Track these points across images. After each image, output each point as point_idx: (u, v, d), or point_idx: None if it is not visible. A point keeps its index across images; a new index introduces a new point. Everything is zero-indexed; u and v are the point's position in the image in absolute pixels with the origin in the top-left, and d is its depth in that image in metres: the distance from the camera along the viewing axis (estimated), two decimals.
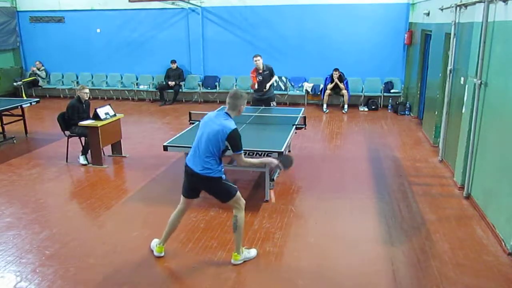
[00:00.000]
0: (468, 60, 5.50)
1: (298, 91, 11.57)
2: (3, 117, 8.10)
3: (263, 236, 4.39)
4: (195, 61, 12.17)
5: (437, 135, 7.30)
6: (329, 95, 10.71)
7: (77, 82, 12.61)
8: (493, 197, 4.55)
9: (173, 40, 12.07)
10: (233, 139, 3.62)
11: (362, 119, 9.97)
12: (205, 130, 3.70)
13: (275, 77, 8.05)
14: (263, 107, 7.66)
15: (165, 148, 5.18)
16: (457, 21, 6.23)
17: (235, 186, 3.85)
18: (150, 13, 12.01)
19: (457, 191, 5.50)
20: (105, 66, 12.71)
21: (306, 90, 11.29)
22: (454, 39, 6.31)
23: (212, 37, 11.88)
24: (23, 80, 12.38)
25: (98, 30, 12.52)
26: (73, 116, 6.64)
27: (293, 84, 11.64)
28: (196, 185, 3.83)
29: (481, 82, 4.95)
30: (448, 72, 6.53)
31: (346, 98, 10.55)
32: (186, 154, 4.38)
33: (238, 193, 3.83)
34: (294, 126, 6.12)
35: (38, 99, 8.79)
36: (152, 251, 4.06)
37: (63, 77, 13.03)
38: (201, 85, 12.09)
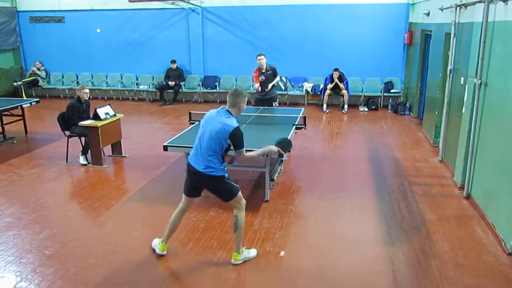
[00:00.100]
0: (468, 60, 5.50)
1: (298, 91, 11.57)
2: (3, 117, 8.10)
3: (263, 236, 4.39)
4: (195, 61, 12.18)
5: (437, 135, 7.30)
6: (329, 95, 10.71)
7: (77, 82, 12.61)
8: (493, 197, 4.55)
9: (173, 40, 12.08)
10: (236, 137, 3.63)
11: (362, 119, 9.97)
12: (207, 128, 3.69)
13: (279, 77, 7.94)
14: (265, 107, 7.61)
15: (165, 148, 5.18)
16: (457, 21, 6.23)
17: (237, 185, 3.85)
18: (150, 13, 12.01)
19: (457, 191, 5.50)
20: (105, 66, 12.71)
21: (306, 90, 11.29)
22: (454, 39, 6.31)
23: (212, 37, 11.88)
24: (23, 80, 12.38)
25: (98, 30, 12.52)
26: (73, 116, 6.64)
27: (293, 84, 11.64)
28: (198, 183, 3.82)
29: (481, 82, 4.95)
30: (448, 72, 6.53)
31: (346, 98, 10.55)
32: (187, 153, 4.39)
33: (240, 193, 3.83)
34: (294, 126, 6.12)
35: (38, 99, 8.79)
36: (154, 250, 4.07)
37: (63, 77, 13.03)
38: (201, 85, 12.09)
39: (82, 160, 6.68)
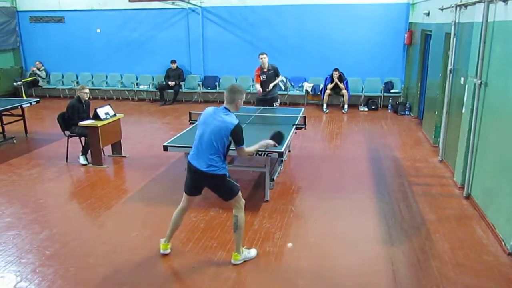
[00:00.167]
0: (468, 60, 5.50)
1: (298, 91, 11.57)
2: (3, 117, 8.10)
3: (263, 236, 4.39)
4: (195, 61, 12.18)
5: (437, 135, 7.30)
6: (329, 95, 10.71)
7: (77, 82, 12.61)
8: (493, 197, 4.55)
9: (173, 40, 12.08)
10: (237, 134, 3.64)
11: (362, 119, 9.97)
12: (207, 127, 3.67)
13: (281, 78, 7.88)
14: (265, 107, 7.60)
15: (165, 148, 5.18)
16: (457, 21, 6.23)
17: (237, 184, 3.85)
18: (150, 13, 12.01)
19: (457, 191, 5.50)
20: (105, 66, 12.71)
21: (306, 90, 11.30)
22: (454, 39, 6.31)
23: (212, 37, 11.88)
24: (23, 80, 12.38)
25: (98, 30, 12.52)
26: (73, 116, 6.64)
27: (293, 84, 11.64)
28: (199, 182, 3.82)
29: (481, 82, 4.95)
30: (448, 72, 6.53)
31: (346, 98, 10.55)
32: (187, 153, 4.38)
33: (240, 193, 3.84)
34: (294, 126, 6.11)
35: (38, 99, 8.79)
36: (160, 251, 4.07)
37: (63, 77, 13.03)
38: (201, 85, 12.09)
39: (82, 160, 6.68)
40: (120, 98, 12.75)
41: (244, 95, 3.78)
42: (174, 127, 9.05)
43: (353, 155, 7.16)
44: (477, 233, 4.42)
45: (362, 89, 11.22)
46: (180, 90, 11.99)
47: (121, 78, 12.67)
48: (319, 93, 11.07)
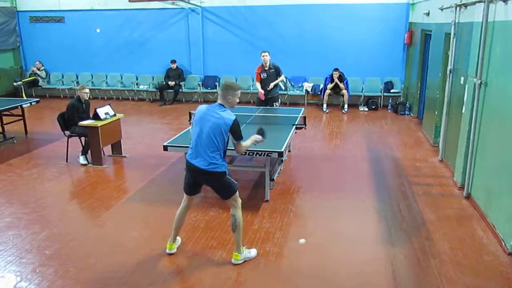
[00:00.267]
0: (468, 60, 5.49)
1: (298, 91, 11.57)
2: (3, 117, 8.10)
3: (263, 236, 4.39)
4: (195, 61, 12.18)
5: (437, 135, 7.30)
6: (329, 95, 10.71)
7: (77, 82, 12.61)
8: (493, 197, 4.55)
9: (173, 40, 12.07)
10: (236, 129, 3.66)
11: (362, 119, 9.97)
12: (204, 124, 3.66)
13: (282, 77, 7.80)
14: (265, 107, 7.58)
15: (165, 148, 5.18)
16: (457, 21, 6.22)
17: (236, 182, 3.86)
18: (150, 13, 12.01)
19: (457, 191, 5.50)
20: (105, 66, 12.71)
21: (306, 90, 11.30)
22: (454, 39, 6.30)
23: (212, 37, 11.88)
24: (23, 80, 12.37)
25: (98, 30, 12.52)
26: (73, 116, 6.64)
27: (293, 84, 11.64)
28: (199, 180, 3.83)
29: (481, 82, 4.95)
30: (448, 72, 6.53)
31: (346, 98, 10.55)
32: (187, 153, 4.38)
33: (237, 191, 3.84)
34: (294, 126, 6.11)
35: (38, 99, 8.79)
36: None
37: (63, 77, 13.03)
38: (201, 85, 12.09)
39: (82, 160, 6.68)
40: (120, 98, 12.74)
41: (238, 92, 3.74)
42: (174, 127, 9.05)
43: (353, 155, 7.16)
44: (477, 233, 4.42)
45: (362, 89, 11.22)
46: (180, 90, 11.98)
47: (121, 78, 12.67)
48: (319, 93, 11.07)
